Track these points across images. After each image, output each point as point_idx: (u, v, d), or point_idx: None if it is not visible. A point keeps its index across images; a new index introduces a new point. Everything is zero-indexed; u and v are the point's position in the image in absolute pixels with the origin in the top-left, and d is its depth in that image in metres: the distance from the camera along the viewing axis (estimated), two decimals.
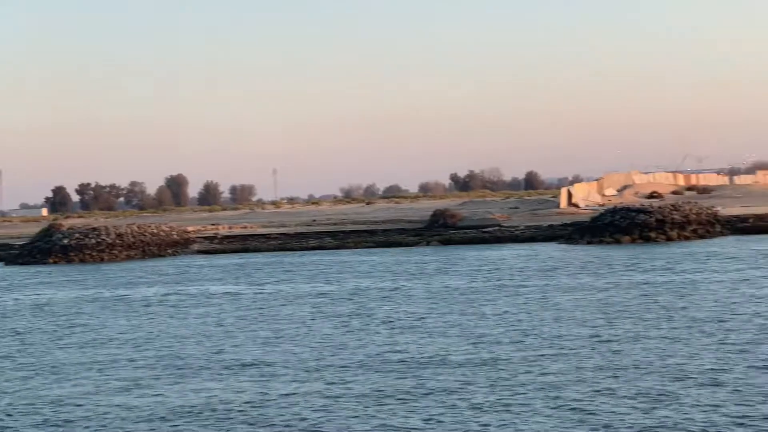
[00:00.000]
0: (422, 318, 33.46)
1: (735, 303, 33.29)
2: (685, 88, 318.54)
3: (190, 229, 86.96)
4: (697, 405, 19.36)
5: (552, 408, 19.69)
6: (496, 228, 78.79)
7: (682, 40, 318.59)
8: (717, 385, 20.93)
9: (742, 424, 17.86)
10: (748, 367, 22.64)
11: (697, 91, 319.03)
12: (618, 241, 65.94)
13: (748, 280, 40.10)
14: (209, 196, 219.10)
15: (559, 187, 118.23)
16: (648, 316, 31.22)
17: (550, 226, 76.94)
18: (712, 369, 22.56)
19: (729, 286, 38.33)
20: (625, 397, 20.30)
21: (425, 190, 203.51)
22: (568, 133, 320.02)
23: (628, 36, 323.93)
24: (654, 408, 19.28)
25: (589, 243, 66.38)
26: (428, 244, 73.12)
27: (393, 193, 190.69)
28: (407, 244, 73.75)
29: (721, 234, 68.56)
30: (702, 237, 66.87)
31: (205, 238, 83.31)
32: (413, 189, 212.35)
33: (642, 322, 29.97)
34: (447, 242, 73.35)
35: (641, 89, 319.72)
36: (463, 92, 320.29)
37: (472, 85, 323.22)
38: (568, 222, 76.94)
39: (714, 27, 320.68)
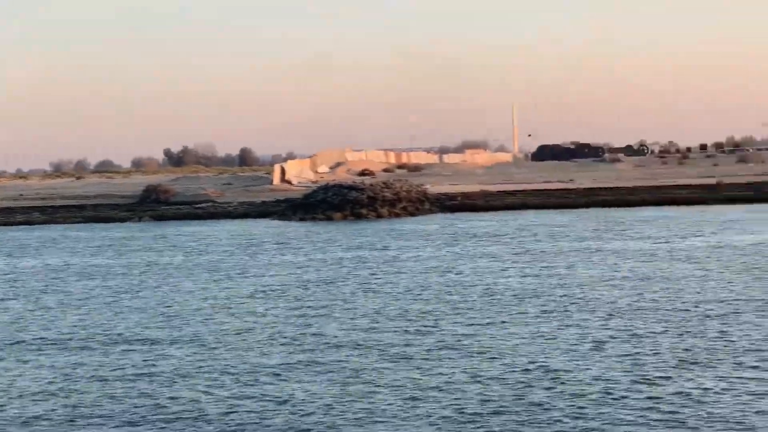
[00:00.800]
0: (119, 294, 32.75)
1: (427, 279, 34.03)
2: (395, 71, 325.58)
3: None
4: (385, 377, 19.58)
5: (243, 383, 19.54)
6: (210, 204, 78.06)
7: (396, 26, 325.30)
8: (406, 359, 21.24)
9: (419, 398, 18.16)
10: (436, 340, 23.13)
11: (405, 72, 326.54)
12: (330, 218, 66.30)
13: (442, 256, 41.06)
14: None
15: (272, 164, 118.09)
16: (344, 292, 31.49)
17: (264, 202, 76.77)
18: (403, 344, 22.90)
19: (425, 262, 39.18)
20: (318, 370, 20.34)
21: (138, 165, 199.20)
22: (282, 110, 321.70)
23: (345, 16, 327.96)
24: (347, 382, 19.39)
25: (301, 220, 66.53)
26: (140, 219, 71.73)
27: (105, 168, 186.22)
28: (119, 220, 72.21)
29: (430, 211, 69.98)
30: (412, 214, 68.07)
31: None
32: (126, 164, 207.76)
33: (336, 298, 30.18)
34: (159, 218, 72.21)
35: (352, 71, 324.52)
36: (171, 67, 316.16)
37: (180, 60, 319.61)
38: (282, 198, 77.01)
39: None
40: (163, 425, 16.94)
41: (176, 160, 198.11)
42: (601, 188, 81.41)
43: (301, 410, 17.45)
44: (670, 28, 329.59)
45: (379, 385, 18.94)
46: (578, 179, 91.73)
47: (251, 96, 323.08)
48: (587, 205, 71.12)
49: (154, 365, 21.31)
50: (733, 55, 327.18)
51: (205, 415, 17.39)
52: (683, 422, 16.07)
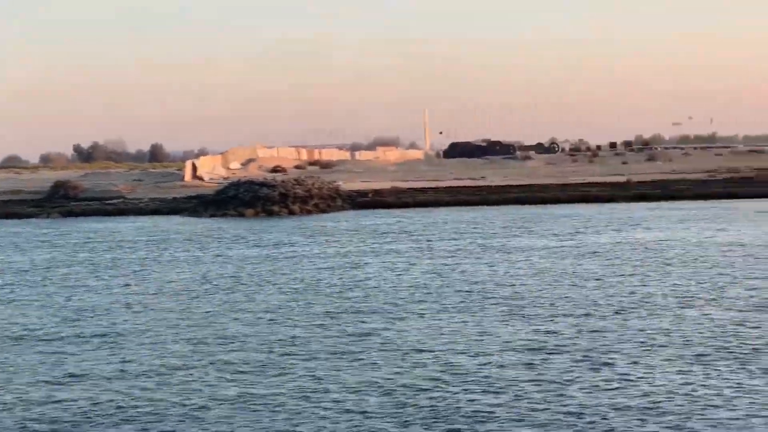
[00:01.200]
0: (20, 291, 32.37)
1: (332, 276, 34.14)
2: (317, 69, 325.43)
3: None
4: (286, 375, 19.60)
5: (143, 381, 19.43)
6: (120, 200, 77.38)
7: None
8: (307, 355, 21.27)
9: (317, 392, 18.22)
10: (338, 336, 23.21)
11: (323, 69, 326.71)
12: (242, 215, 66.10)
13: (348, 253, 41.24)
14: None
15: (184, 160, 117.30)
16: (249, 289, 31.51)
17: (175, 198, 76.36)
18: (305, 341, 22.95)
19: (331, 259, 39.29)
20: (228, 367, 20.32)
21: (47, 160, 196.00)
22: (193, 105, 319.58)
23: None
24: (247, 380, 19.35)
25: (213, 216, 66.28)
26: (48, 215, 70.86)
27: (12, 164, 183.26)
28: (26, 216, 71.25)
29: (342, 208, 70.06)
30: (323, 211, 68.10)
31: None
32: (34, 160, 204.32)
33: (240, 295, 30.16)
34: (68, 214, 71.42)
35: (267, 67, 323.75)
36: (82, 61, 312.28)
37: (90, 54, 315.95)
38: (193, 195, 76.58)
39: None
40: (57, 426, 16.73)
41: (86, 155, 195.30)
42: (512, 186, 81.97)
43: (199, 409, 17.37)
44: (562, 29, 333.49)
45: (278, 384, 18.92)
46: (489, 177, 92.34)
47: (161, 91, 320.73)
48: (499, 203, 71.62)
49: (52, 363, 21.07)
50: (642, 55, 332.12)
51: (103, 413, 17.23)
52: (581, 417, 16.25)
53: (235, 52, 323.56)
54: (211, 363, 20.72)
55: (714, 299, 27.00)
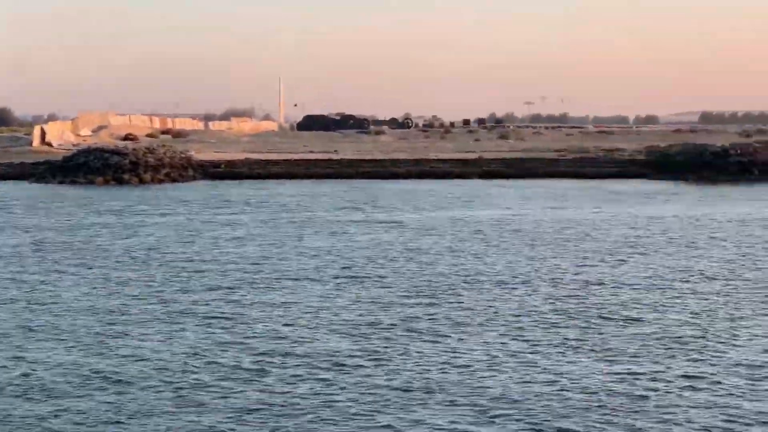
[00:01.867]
0: None
1: (167, 245, 34.12)
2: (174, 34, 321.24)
3: None
4: (111, 342, 19.56)
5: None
6: None
7: None
8: (136, 328, 21.16)
9: (141, 359, 18.24)
10: (164, 306, 23.24)
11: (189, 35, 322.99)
12: (92, 182, 65.12)
13: (187, 223, 41.21)
14: None
15: (33, 125, 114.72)
16: (79, 256, 31.26)
17: (22, 163, 74.76)
18: (138, 310, 22.96)
19: (168, 229, 39.09)
20: (55, 335, 20.17)
21: None
22: (42, 70, 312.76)
23: None
24: (87, 346, 19.23)
25: (61, 183, 65.22)
26: None
27: None
28: None
29: (194, 178, 69.52)
30: (175, 180, 67.54)
31: None
32: None
33: (70, 263, 29.91)
34: None
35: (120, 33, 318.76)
36: None
37: None
38: (42, 161, 75.11)
39: None
40: None
41: None
42: (365, 160, 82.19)
43: (30, 374, 17.23)
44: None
45: (103, 355, 18.85)
46: (343, 150, 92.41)
47: (9, 52, 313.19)
48: (351, 176, 71.83)
49: None
50: (498, 36, 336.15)
51: None
52: (413, 389, 16.46)
53: (92, 18, 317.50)
54: (41, 330, 20.54)
55: (544, 275, 27.64)
